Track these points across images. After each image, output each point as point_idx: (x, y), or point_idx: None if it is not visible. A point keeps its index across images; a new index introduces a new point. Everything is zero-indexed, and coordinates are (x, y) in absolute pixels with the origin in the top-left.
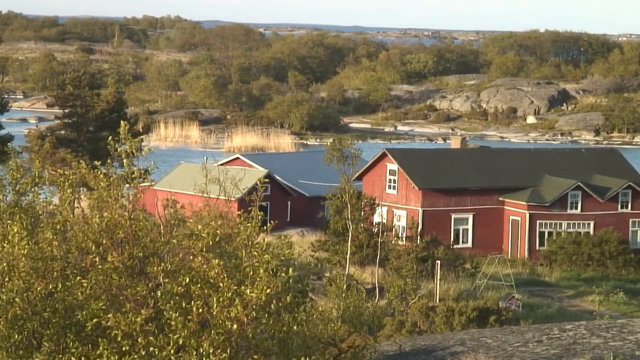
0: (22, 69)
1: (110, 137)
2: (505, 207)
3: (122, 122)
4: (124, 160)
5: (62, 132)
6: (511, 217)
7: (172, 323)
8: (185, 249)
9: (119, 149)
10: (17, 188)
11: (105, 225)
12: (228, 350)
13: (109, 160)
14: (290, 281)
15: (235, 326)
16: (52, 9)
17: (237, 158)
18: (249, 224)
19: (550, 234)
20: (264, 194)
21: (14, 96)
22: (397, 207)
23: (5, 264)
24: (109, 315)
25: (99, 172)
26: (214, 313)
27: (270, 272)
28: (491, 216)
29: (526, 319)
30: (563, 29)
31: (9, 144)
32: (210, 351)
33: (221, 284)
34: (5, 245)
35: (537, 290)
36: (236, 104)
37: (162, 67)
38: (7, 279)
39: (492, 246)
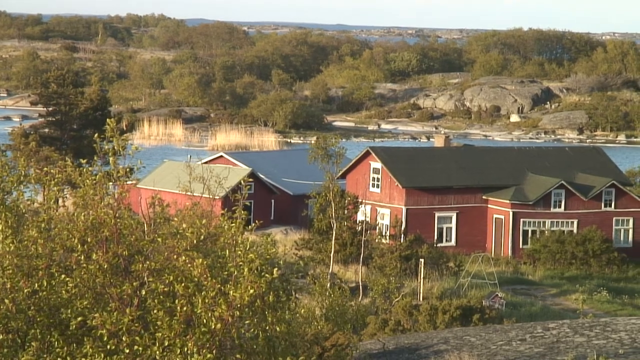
0: (6, 67)
1: (96, 135)
2: (489, 206)
3: (108, 119)
4: (110, 159)
5: (46, 130)
6: (495, 216)
7: (158, 322)
8: (169, 247)
9: (105, 147)
10: (1, 186)
11: (90, 224)
12: (213, 350)
13: (95, 158)
14: (275, 280)
15: (219, 325)
16: (36, 6)
17: (221, 156)
18: (233, 223)
19: (533, 232)
20: (248, 192)
21: None
22: (381, 205)
23: None
24: (95, 315)
25: (85, 170)
26: (199, 312)
27: (255, 272)
28: (475, 214)
29: (509, 318)
30: (547, 28)
31: None
32: (195, 350)
33: (205, 283)
34: None
35: (520, 289)
36: (220, 102)
37: (146, 66)
38: None
39: (475, 244)
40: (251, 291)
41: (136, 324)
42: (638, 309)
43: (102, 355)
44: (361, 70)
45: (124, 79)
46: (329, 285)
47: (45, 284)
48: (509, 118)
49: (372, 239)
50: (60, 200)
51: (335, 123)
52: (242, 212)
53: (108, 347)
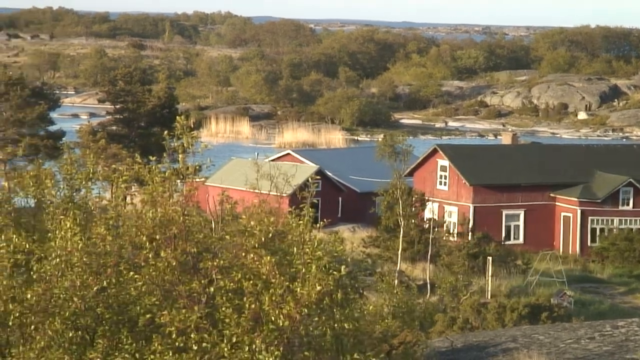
0: (74, 65)
1: (165, 132)
2: (557, 204)
3: (178, 117)
4: (180, 156)
5: (114, 127)
6: (562, 214)
7: (226, 319)
8: (237, 245)
9: (173, 144)
10: (70, 183)
11: (158, 221)
12: (281, 347)
13: (164, 155)
14: (343, 278)
15: (287, 323)
16: (103, 4)
17: (288, 154)
18: (300, 221)
19: (602, 230)
20: (315, 190)
21: (65, 92)
22: (448, 203)
23: (59, 260)
24: (163, 312)
25: (154, 168)
26: (267, 309)
27: (323, 269)
28: (542, 212)
29: (578, 316)
30: (614, 25)
31: (61, 139)
32: (263, 348)
33: (273, 281)
34: (59, 240)
35: (589, 287)
36: (287, 99)
37: (213, 63)
38: (60, 275)
39: (543, 242)
40: (318, 288)
41: (204, 322)
42: None
43: (171, 352)
44: (428, 67)
45: (191, 77)
46: (396, 283)
47: (113, 281)
48: (576, 115)
49: (439, 236)
50: (128, 198)
51: (403, 120)
52: (310, 209)
53: (176, 344)
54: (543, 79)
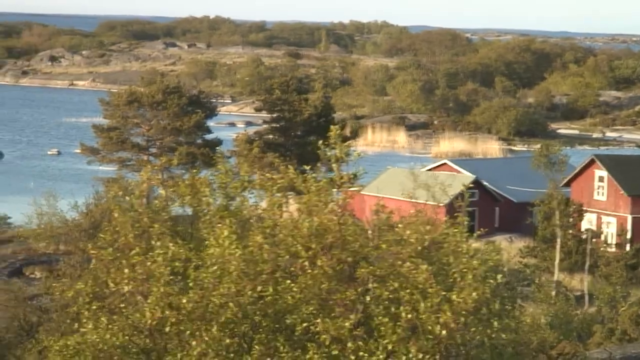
0: (230, 74)
1: (320, 142)
2: None
3: (332, 126)
4: (334, 165)
5: (270, 136)
6: None
7: (381, 328)
8: (394, 254)
9: (328, 154)
10: (226, 192)
11: (314, 230)
12: (437, 356)
13: (318, 165)
14: (500, 287)
15: (444, 332)
16: (260, 14)
17: (445, 163)
18: (456, 230)
19: None
20: (472, 199)
21: (222, 100)
22: (606, 213)
23: (216, 267)
24: (317, 320)
25: (308, 177)
26: (423, 318)
27: (479, 278)
28: None
29: None
30: None
31: (217, 148)
32: (420, 356)
33: (430, 290)
34: (215, 248)
35: None
36: (443, 109)
37: (369, 72)
38: (217, 282)
39: None
40: (474, 295)
41: (360, 330)
42: None
43: None
44: (585, 77)
45: (347, 86)
46: (554, 293)
47: (270, 289)
48: None
49: (597, 247)
50: (283, 206)
51: (559, 130)
52: (465, 219)
53: (332, 352)
54: None
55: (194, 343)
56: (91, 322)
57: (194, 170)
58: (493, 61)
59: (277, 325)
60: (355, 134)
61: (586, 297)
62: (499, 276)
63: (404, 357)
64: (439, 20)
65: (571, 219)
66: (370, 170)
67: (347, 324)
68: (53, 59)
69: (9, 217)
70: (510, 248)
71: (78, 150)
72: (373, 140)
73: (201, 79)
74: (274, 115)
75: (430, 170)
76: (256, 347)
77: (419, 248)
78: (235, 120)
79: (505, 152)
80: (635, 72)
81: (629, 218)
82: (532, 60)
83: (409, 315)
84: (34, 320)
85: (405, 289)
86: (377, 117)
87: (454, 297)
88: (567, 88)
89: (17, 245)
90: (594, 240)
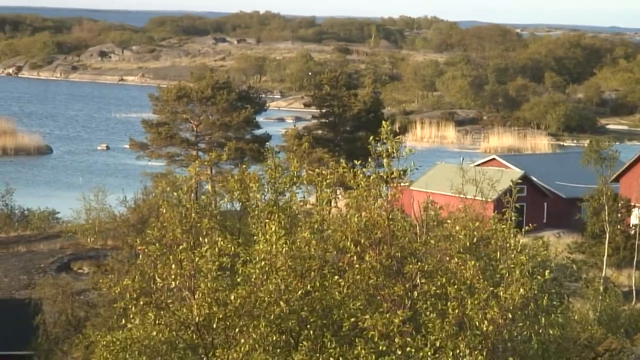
0: (279, 69)
1: (371, 137)
2: None
3: (383, 121)
4: (384, 160)
5: (319, 131)
6: None
7: (429, 324)
8: (442, 250)
9: (378, 149)
10: (275, 187)
11: (363, 225)
12: (484, 352)
13: (369, 160)
14: (547, 283)
15: (491, 327)
16: (310, 9)
17: (494, 159)
18: (504, 226)
19: None
20: (520, 195)
21: (271, 96)
22: None
23: (264, 263)
24: (365, 316)
25: (358, 172)
26: (470, 314)
27: (526, 274)
28: None
29: None
30: None
31: (266, 143)
32: (467, 352)
33: (478, 286)
34: (263, 244)
35: None
36: (492, 104)
37: (418, 68)
38: (265, 278)
39: None
40: (521, 291)
41: (407, 326)
42: None
43: (374, 356)
44: (635, 73)
45: (397, 81)
46: (602, 289)
47: (318, 285)
48: None
49: None
50: (332, 201)
51: (609, 126)
52: (514, 214)
53: (380, 348)
54: None
55: (241, 340)
56: (138, 318)
57: (243, 166)
58: (543, 56)
59: (324, 321)
60: (404, 130)
61: (634, 293)
62: (547, 272)
63: (451, 353)
64: (489, 15)
65: (619, 215)
66: (420, 166)
67: (396, 319)
68: (103, 54)
69: (58, 212)
70: (558, 244)
71: (127, 146)
72: (422, 136)
73: (250, 74)
74: (323, 110)
75: (478, 165)
76: (303, 343)
77: (467, 244)
78: (284, 116)
79: (554, 147)
80: None
81: None
82: (582, 56)
83: (457, 311)
84: (82, 315)
85: (452, 285)
86: (426, 113)
87: (501, 293)
88: (616, 83)
89: (65, 240)
90: None
